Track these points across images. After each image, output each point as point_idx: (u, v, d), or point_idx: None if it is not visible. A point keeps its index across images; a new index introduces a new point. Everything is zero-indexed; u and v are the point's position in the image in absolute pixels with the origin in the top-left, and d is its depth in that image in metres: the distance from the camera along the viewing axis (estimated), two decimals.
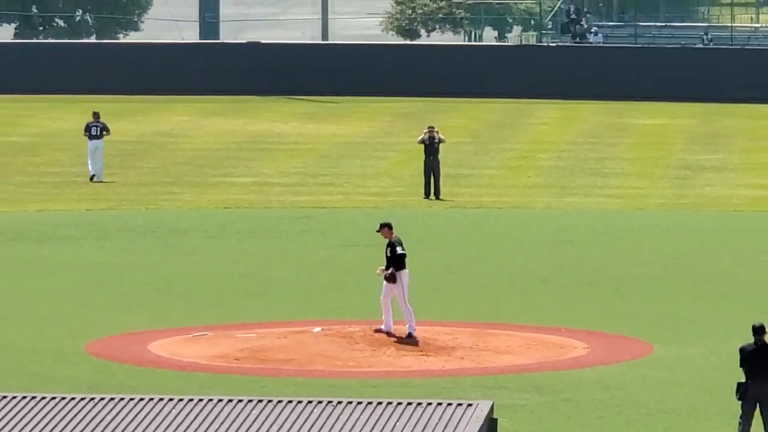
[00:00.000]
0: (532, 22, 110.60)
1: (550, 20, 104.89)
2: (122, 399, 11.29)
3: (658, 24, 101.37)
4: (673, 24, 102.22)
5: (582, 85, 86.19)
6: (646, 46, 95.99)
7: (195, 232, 48.70)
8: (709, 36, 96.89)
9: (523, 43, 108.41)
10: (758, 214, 53.91)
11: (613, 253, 45.23)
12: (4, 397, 11.14)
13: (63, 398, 11.02)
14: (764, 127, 76.01)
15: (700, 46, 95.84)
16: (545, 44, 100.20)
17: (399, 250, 31.04)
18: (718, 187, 59.53)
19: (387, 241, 31.35)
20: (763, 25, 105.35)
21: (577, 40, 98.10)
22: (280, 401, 11.33)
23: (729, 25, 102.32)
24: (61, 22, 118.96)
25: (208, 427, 10.30)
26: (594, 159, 66.52)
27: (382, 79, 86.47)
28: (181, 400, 10.95)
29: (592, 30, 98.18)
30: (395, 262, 30.58)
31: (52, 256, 42.84)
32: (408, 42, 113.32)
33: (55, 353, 29.75)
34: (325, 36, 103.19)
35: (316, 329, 32.70)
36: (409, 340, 30.83)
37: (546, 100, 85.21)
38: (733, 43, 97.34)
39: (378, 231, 32.16)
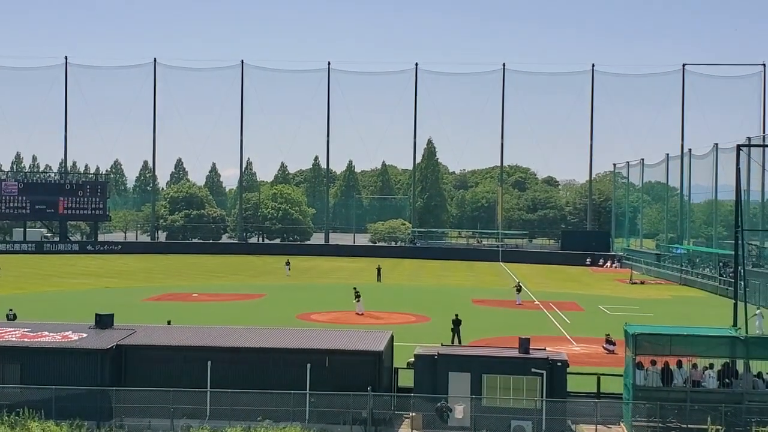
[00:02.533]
0: (403, 239, 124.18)
1: (408, 237, 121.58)
2: None
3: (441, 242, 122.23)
4: (441, 241, 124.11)
5: (418, 256, 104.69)
6: (431, 246, 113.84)
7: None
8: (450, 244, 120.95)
9: (401, 245, 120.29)
10: (449, 287, 72.25)
11: (429, 296, 61.38)
12: None
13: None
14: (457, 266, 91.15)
15: (445, 247, 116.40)
16: (411, 246, 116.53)
17: (359, 295, 49.27)
18: (444, 280, 77.60)
19: (354, 290, 50.39)
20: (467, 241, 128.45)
21: (411, 244, 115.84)
22: None
23: (457, 242, 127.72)
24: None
25: None
26: (412, 270, 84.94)
27: None
28: None
29: (417, 243, 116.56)
30: (358, 296, 49.45)
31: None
32: None
33: None
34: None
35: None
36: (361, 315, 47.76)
37: (406, 259, 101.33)
38: (455, 246, 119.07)
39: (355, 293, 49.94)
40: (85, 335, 26.42)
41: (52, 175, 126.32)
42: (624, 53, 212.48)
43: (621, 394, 25.38)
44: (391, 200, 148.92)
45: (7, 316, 39.27)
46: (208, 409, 23.65)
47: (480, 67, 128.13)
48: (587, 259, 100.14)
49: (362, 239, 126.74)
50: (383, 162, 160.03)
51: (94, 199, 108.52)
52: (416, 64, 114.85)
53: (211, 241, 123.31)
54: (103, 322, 27.69)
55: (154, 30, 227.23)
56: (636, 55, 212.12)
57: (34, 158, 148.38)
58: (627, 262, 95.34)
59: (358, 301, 49.70)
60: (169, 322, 35.45)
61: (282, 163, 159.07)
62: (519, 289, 58.76)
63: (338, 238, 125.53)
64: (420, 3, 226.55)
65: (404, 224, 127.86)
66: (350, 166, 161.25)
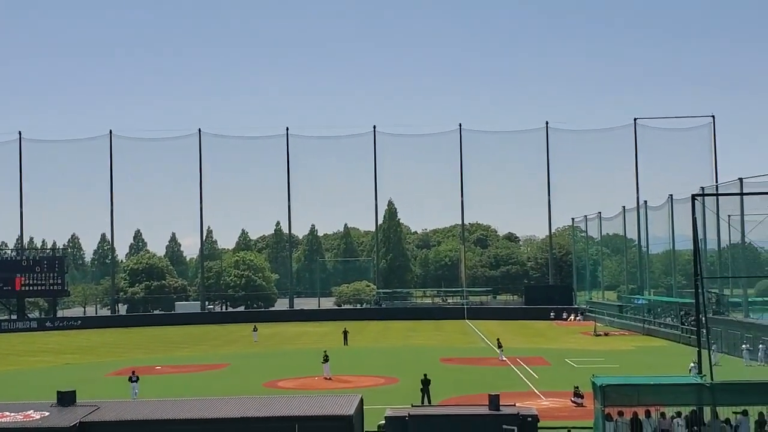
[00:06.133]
0: (369, 301, 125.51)
1: (373, 298, 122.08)
2: None
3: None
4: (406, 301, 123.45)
5: (384, 317, 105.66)
6: (396, 307, 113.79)
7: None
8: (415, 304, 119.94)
9: (367, 307, 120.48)
10: (417, 347, 72.01)
11: (397, 356, 63.49)
12: None
13: None
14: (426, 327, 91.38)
15: (411, 307, 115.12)
16: (377, 307, 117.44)
17: (327, 359, 48.98)
18: (411, 340, 78.00)
19: (324, 354, 50.00)
20: (432, 300, 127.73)
21: (377, 305, 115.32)
22: None
23: (422, 302, 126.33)
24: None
25: None
26: (378, 332, 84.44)
27: None
28: None
29: (382, 304, 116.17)
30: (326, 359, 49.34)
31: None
32: None
33: None
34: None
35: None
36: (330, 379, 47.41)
37: (372, 321, 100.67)
38: (421, 306, 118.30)
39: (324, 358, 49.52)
40: (47, 413, 25.70)
41: (9, 251, 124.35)
42: (577, 109, 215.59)
43: None
44: (355, 262, 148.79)
45: None
46: None
47: (437, 128, 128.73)
48: (551, 313, 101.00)
49: (327, 303, 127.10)
50: (345, 224, 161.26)
51: (52, 275, 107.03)
52: (374, 127, 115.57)
53: (173, 312, 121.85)
54: (65, 399, 26.99)
55: (110, 102, 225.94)
56: (589, 111, 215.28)
57: None
58: (590, 314, 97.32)
59: (326, 362, 49.25)
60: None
61: (243, 230, 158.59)
62: (500, 345, 58.68)
63: (303, 303, 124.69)
64: (376, 66, 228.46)
65: (369, 286, 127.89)
66: (313, 230, 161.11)
